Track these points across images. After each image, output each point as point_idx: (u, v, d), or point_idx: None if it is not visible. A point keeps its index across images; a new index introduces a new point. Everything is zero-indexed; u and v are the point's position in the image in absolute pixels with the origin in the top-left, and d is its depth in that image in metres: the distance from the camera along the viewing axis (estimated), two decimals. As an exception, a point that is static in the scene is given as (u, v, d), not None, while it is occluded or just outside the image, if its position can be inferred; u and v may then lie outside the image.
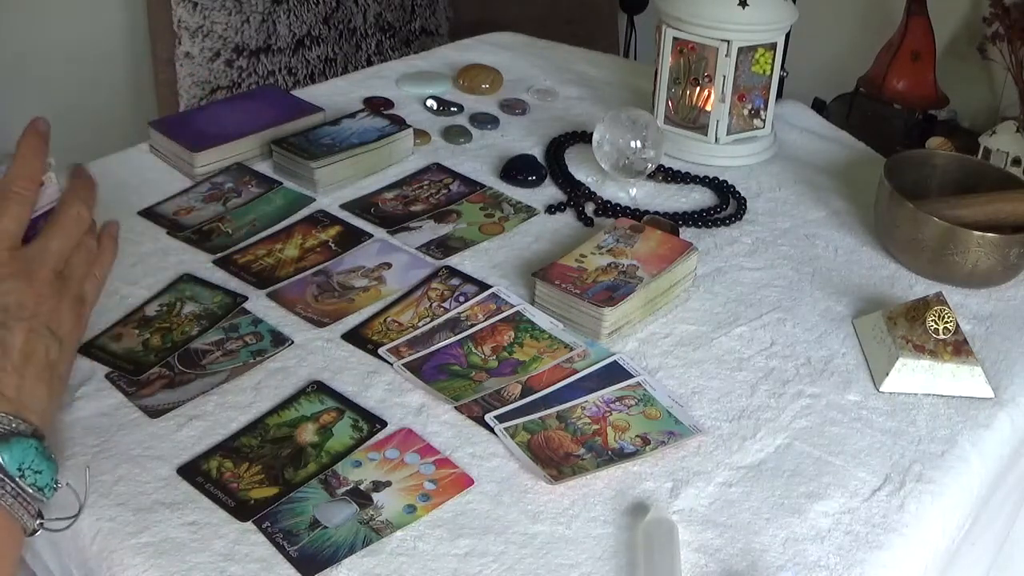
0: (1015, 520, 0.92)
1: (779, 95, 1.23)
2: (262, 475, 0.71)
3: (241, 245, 0.97)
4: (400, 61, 1.44)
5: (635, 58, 2.77)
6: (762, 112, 1.17)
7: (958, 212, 0.97)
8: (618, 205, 1.07)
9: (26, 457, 0.61)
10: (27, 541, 0.64)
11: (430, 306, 0.89)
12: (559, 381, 0.81)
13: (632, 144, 1.05)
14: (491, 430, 0.76)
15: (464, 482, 0.72)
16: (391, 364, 0.82)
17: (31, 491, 0.61)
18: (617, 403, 0.79)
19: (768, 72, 1.14)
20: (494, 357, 0.83)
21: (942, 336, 0.83)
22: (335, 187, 1.07)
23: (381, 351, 0.83)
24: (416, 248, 0.98)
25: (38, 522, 0.63)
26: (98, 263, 0.76)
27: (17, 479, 0.60)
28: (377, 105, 1.25)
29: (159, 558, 0.64)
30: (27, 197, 0.70)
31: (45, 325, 0.67)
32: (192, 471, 0.71)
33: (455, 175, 1.11)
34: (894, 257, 1.00)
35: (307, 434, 0.75)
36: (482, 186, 1.09)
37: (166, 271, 0.92)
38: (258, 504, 0.69)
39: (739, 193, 1.10)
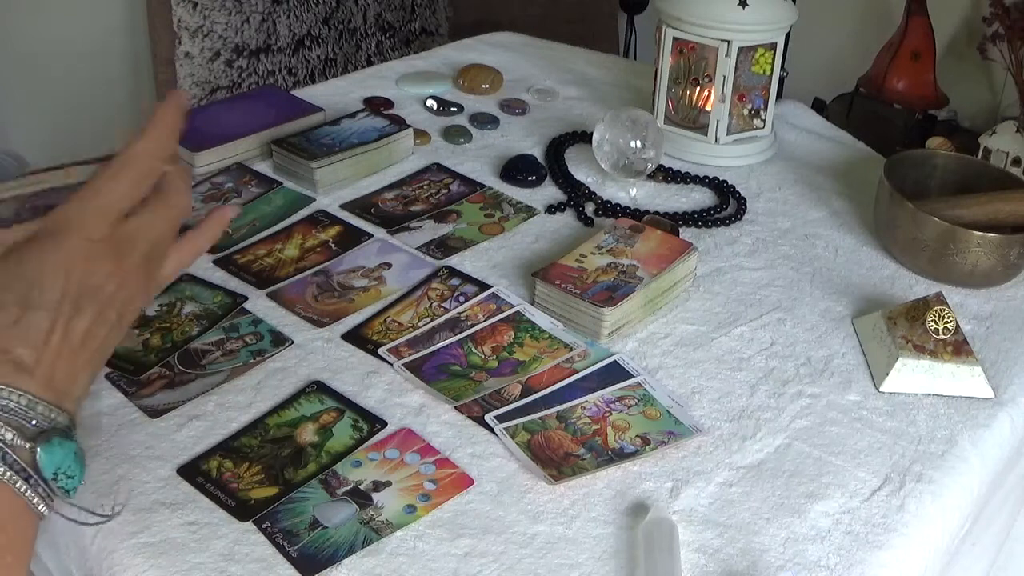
0: (1015, 520, 0.92)
1: (779, 95, 1.23)
2: (262, 475, 0.71)
3: (241, 245, 0.97)
4: (400, 61, 1.44)
5: (635, 58, 2.78)
6: (762, 112, 1.17)
7: (958, 212, 0.97)
8: (618, 205, 1.07)
9: (64, 462, 0.59)
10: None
11: (430, 306, 0.89)
12: (559, 381, 0.81)
13: (632, 144, 1.05)
14: (491, 430, 0.76)
15: (464, 482, 0.72)
16: (391, 364, 0.82)
17: (59, 494, 0.60)
18: (617, 403, 0.79)
19: (768, 72, 1.14)
20: (494, 357, 0.83)
21: (942, 336, 0.83)
22: (335, 187, 1.07)
23: (381, 351, 0.83)
24: (416, 248, 0.98)
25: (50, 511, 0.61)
26: (191, 247, 0.70)
27: (50, 482, 0.59)
28: (377, 105, 1.25)
29: (159, 558, 0.64)
30: (152, 173, 0.64)
31: (117, 311, 0.63)
32: (192, 471, 0.71)
33: (455, 175, 1.11)
34: (894, 257, 1.00)
35: (307, 434, 0.75)
36: (482, 186, 1.09)
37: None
38: (258, 504, 0.69)
39: (739, 193, 1.10)
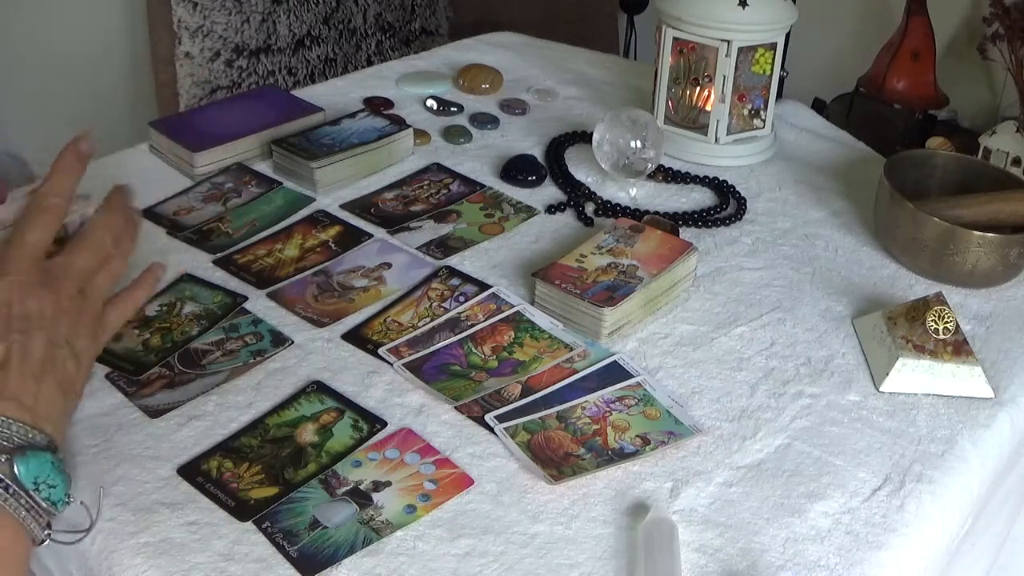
0: (1015, 520, 0.92)
1: (779, 95, 1.23)
2: (262, 475, 0.71)
3: (241, 245, 0.97)
4: (400, 61, 1.44)
5: (635, 58, 2.78)
6: (762, 112, 1.17)
7: (958, 212, 0.97)
8: (618, 205, 1.07)
9: (42, 471, 0.61)
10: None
11: (430, 306, 0.89)
12: (559, 381, 0.81)
13: (632, 144, 1.05)
14: (491, 430, 0.76)
15: (464, 482, 0.72)
16: (391, 364, 0.82)
17: (44, 505, 0.61)
18: (617, 403, 0.79)
19: (768, 72, 1.14)
20: (494, 357, 0.83)
21: (942, 336, 0.83)
22: (335, 187, 1.07)
23: (381, 351, 0.83)
24: (416, 248, 0.98)
25: (46, 532, 0.63)
26: (130, 298, 0.77)
27: (31, 492, 0.60)
28: (377, 105, 1.25)
29: (159, 558, 0.64)
30: (57, 211, 0.72)
31: (65, 338, 0.67)
32: (192, 471, 0.71)
33: (455, 175, 1.11)
34: (894, 257, 1.00)
35: (307, 434, 0.75)
36: (482, 186, 1.09)
37: (166, 271, 0.92)
38: (258, 504, 0.69)
39: (739, 193, 1.10)
